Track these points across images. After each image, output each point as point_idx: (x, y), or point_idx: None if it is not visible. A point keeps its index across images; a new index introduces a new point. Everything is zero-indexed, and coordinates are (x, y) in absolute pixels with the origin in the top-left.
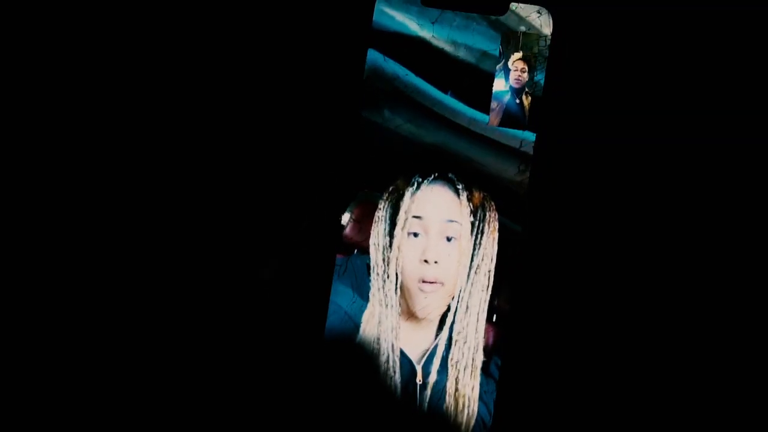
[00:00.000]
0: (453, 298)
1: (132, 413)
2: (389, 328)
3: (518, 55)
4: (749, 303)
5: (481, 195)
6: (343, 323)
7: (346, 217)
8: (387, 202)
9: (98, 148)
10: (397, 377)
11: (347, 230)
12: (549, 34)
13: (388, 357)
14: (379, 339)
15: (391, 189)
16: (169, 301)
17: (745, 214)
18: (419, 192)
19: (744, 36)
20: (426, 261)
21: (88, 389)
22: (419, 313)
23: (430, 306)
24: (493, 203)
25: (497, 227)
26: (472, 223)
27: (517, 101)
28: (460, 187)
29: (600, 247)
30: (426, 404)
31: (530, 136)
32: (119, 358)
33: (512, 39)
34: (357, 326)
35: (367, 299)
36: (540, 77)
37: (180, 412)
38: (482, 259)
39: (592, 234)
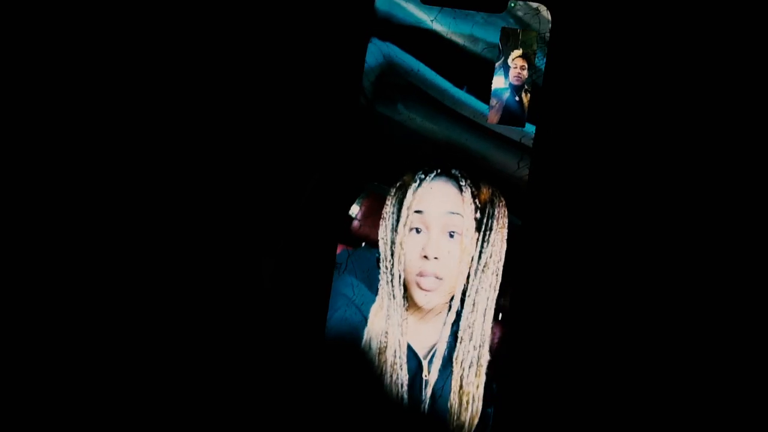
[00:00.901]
0: (454, 295)
1: (132, 410)
2: (396, 323)
3: (518, 52)
4: (747, 295)
5: (490, 190)
6: (350, 315)
7: (355, 210)
8: (394, 198)
9: (96, 143)
10: (404, 372)
11: (356, 222)
12: (548, 30)
13: (395, 351)
14: (387, 333)
15: (398, 185)
16: (172, 292)
17: (743, 208)
18: (421, 188)
19: (743, 27)
20: (426, 257)
21: (87, 388)
22: (423, 305)
23: (431, 299)
24: (502, 199)
25: (506, 224)
26: (479, 219)
27: (517, 99)
28: (463, 183)
29: (602, 242)
30: (429, 400)
31: (530, 128)
32: (116, 352)
33: (511, 36)
34: (365, 319)
35: (375, 292)
36: (540, 63)
37: (185, 401)
38: (490, 257)
39: (593, 228)
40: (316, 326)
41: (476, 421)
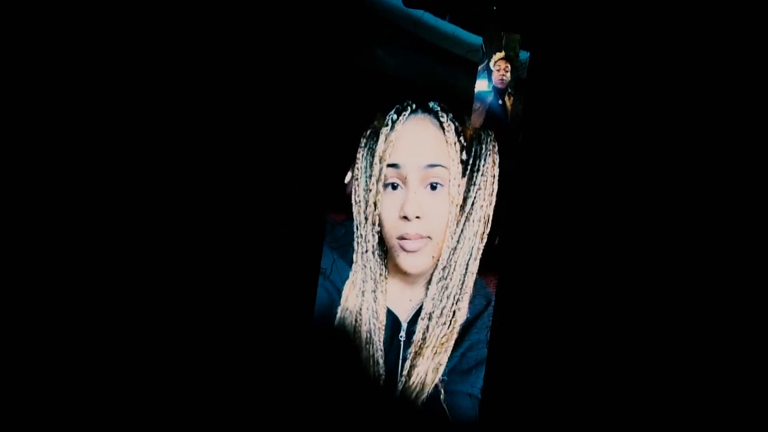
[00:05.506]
0: (442, 251)
1: (128, 393)
2: (371, 291)
3: (500, 54)
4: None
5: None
6: (327, 294)
7: (348, 177)
8: (365, 149)
9: (94, 146)
10: (380, 342)
11: (348, 187)
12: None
13: (370, 322)
14: (360, 309)
15: (368, 132)
16: (166, 290)
17: (734, 188)
18: (394, 132)
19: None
20: (405, 217)
21: (85, 381)
22: (408, 270)
23: (418, 262)
24: (491, 133)
25: (497, 161)
26: (465, 161)
27: (500, 102)
28: (444, 118)
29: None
30: (405, 362)
31: (524, 54)
32: (109, 339)
33: (495, 39)
34: (339, 296)
35: (350, 264)
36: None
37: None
38: (476, 202)
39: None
40: (300, 320)
41: (438, 375)
